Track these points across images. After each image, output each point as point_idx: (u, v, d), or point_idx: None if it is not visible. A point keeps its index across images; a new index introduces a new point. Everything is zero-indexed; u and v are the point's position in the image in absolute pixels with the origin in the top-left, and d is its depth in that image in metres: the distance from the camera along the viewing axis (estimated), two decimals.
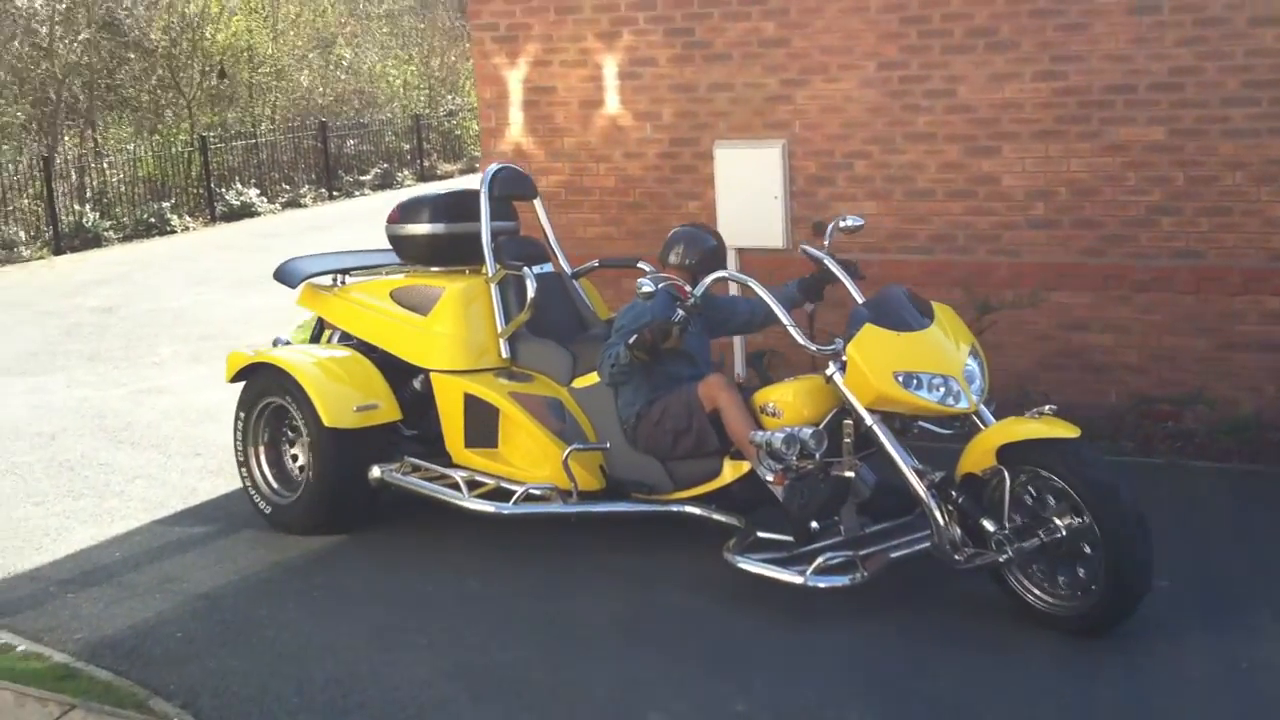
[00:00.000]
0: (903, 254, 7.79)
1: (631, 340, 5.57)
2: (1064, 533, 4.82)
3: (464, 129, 26.73)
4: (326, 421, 6.16)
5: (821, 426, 5.21)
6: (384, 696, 4.69)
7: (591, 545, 6.02)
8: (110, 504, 7.04)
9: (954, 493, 5.00)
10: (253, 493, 6.58)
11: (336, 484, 6.27)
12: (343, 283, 6.97)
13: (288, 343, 6.93)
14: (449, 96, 28.45)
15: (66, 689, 4.68)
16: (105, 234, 18.16)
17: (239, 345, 7.61)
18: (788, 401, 5.36)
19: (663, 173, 8.41)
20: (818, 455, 5.12)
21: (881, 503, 5.29)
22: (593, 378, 5.96)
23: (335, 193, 22.79)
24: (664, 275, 5.83)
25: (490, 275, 6.40)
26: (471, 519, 6.09)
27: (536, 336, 6.30)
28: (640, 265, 6.46)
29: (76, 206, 18.63)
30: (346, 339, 6.80)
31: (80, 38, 21.20)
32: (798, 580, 5.10)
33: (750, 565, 5.26)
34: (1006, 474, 4.89)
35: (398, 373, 6.44)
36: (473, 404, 6.17)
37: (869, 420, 5.12)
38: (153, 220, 19.05)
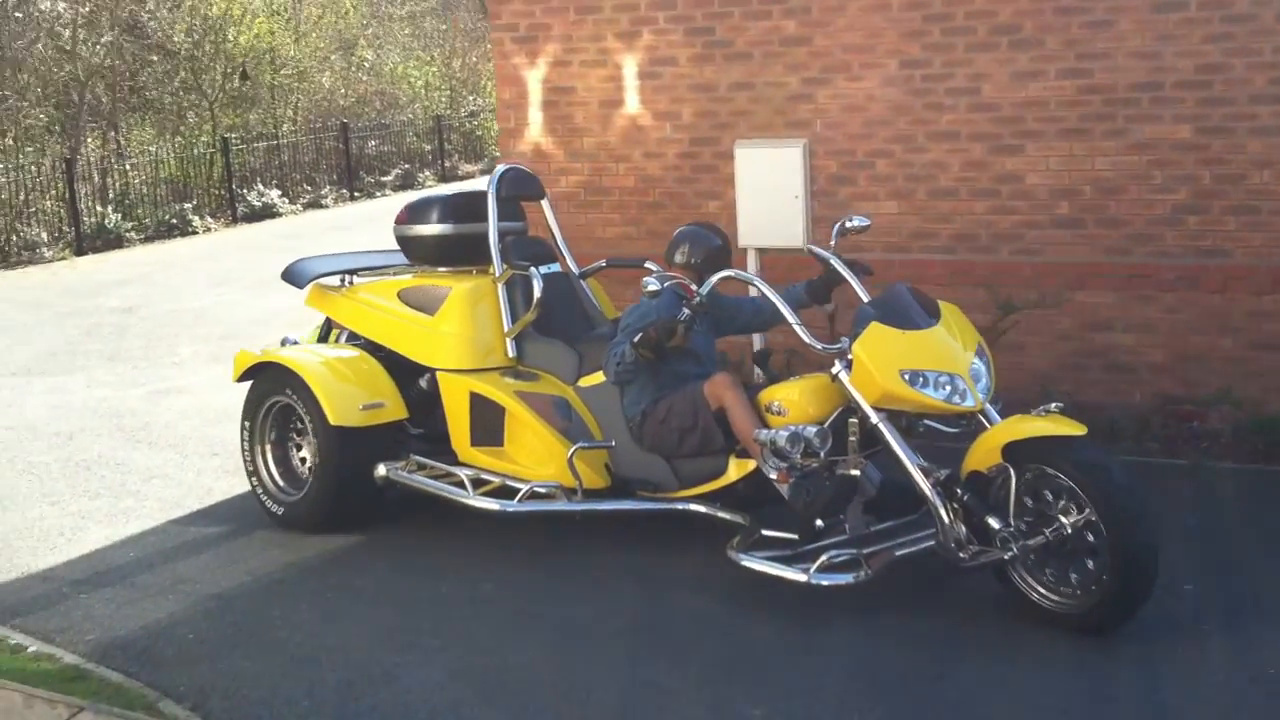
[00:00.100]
0: (925, 253, 7.72)
1: (637, 339, 5.57)
2: (1069, 530, 4.79)
3: (485, 130, 26.71)
4: (332, 420, 6.18)
5: (827, 425, 5.19)
6: (395, 699, 4.64)
7: (606, 548, 5.98)
8: (126, 504, 7.02)
9: (959, 490, 4.99)
10: (260, 493, 6.59)
11: (342, 482, 6.28)
12: (350, 283, 6.99)
13: (296, 342, 6.93)
14: (470, 97, 28.43)
15: (76, 690, 4.64)
16: (127, 235, 18.20)
17: (247, 345, 7.58)
18: (793, 400, 5.35)
19: (683, 172, 8.35)
20: (822, 453, 5.12)
21: (887, 501, 5.28)
22: (599, 377, 5.94)
23: (357, 194, 22.81)
24: (670, 274, 5.80)
25: (497, 275, 6.41)
26: (485, 519, 6.06)
27: (543, 336, 6.31)
28: (647, 265, 6.43)
29: (99, 207, 18.67)
30: (354, 339, 6.82)
31: (103, 40, 21.25)
32: (802, 578, 5.08)
33: (754, 563, 5.26)
34: (1012, 472, 4.87)
35: (405, 372, 6.45)
36: (479, 403, 6.18)
37: (875, 418, 5.11)
38: (174, 221, 19.09)
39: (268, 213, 20.54)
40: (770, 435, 5.19)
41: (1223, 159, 6.98)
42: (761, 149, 7.25)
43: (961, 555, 4.95)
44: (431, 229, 6.64)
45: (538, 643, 5.07)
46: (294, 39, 24.89)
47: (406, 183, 23.82)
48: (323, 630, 5.27)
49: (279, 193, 21.21)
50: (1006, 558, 4.88)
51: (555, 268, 6.59)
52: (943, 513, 4.96)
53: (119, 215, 18.56)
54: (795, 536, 5.30)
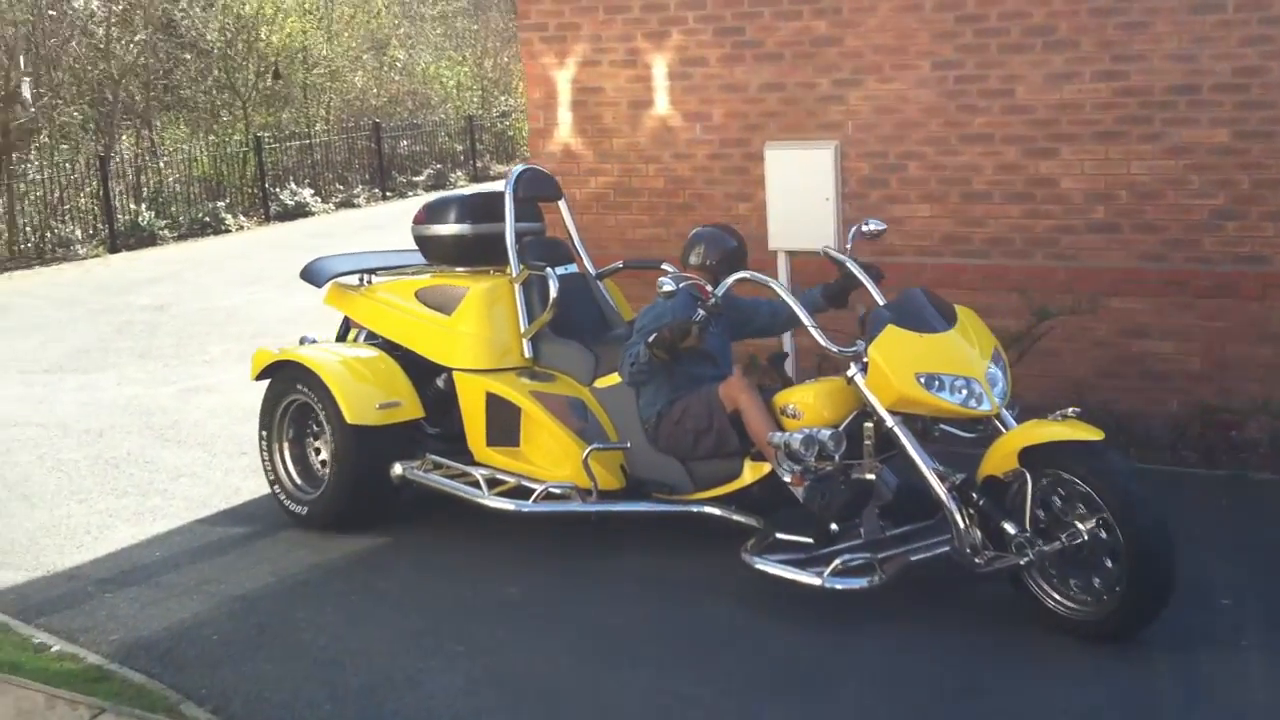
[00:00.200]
0: (958, 258, 7.64)
1: (651, 339, 5.56)
2: (1085, 537, 4.75)
3: (516, 130, 26.71)
4: (349, 418, 6.20)
5: (841, 428, 5.17)
6: (418, 705, 4.61)
7: (629, 552, 5.94)
8: (153, 502, 7.02)
9: (975, 495, 4.95)
10: (278, 491, 6.61)
11: (358, 480, 6.30)
12: (369, 282, 7.01)
13: (314, 341, 6.95)
14: (502, 97, 28.45)
15: (98, 691, 4.62)
16: (160, 233, 18.29)
17: (265, 343, 7.58)
18: (808, 403, 5.33)
19: (712, 174, 8.29)
20: (836, 457, 5.11)
21: (903, 505, 5.23)
22: (615, 378, 5.94)
23: (389, 193, 22.86)
24: (685, 275, 5.79)
25: (514, 276, 6.42)
26: (510, 521, 6.04)
27: (559, 337, 6.31)
28: (664, 266, 6.40)
29: (132, 205, 18.76)
30: (372, 338, 6.85)
31: (137, 39, 21.36)
32: (815, 582, 5.07)
33: (768, 566, 5.24)
34: (1028, 477, 4.83)
35: (422, 371, 6.47)
36: (495, 403, 6.20)
37: (890, 422, 5.08)
38: (207, 219, 19.17)
39: (300, 212, 20.61)
40: (784, 438, 5.18)
41: (1262, 164, 6.87)
42: (792, 151, 7.18)
43: (977, 561, 4.92)
44: (449, 229, 6.67)
45: (562, 650, 5.03)
46: (326, 38, 24.96)
47: (438, 182, 23.85)
48: (347, 633, 5.25)
49: (311, 192, 21.28)
50: (1022, 563, 4.85)
51: (572, 268, 6.61)
52: (958, 518, 4.93)
53: (152, 213, 18.65)
54: (810, 540, 5.29)
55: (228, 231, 19.09)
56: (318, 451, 6.59)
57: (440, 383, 6.46)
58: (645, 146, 8.45)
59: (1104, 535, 4.70)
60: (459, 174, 24.98)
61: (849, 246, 5.90)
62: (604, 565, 5.85)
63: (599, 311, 6.61)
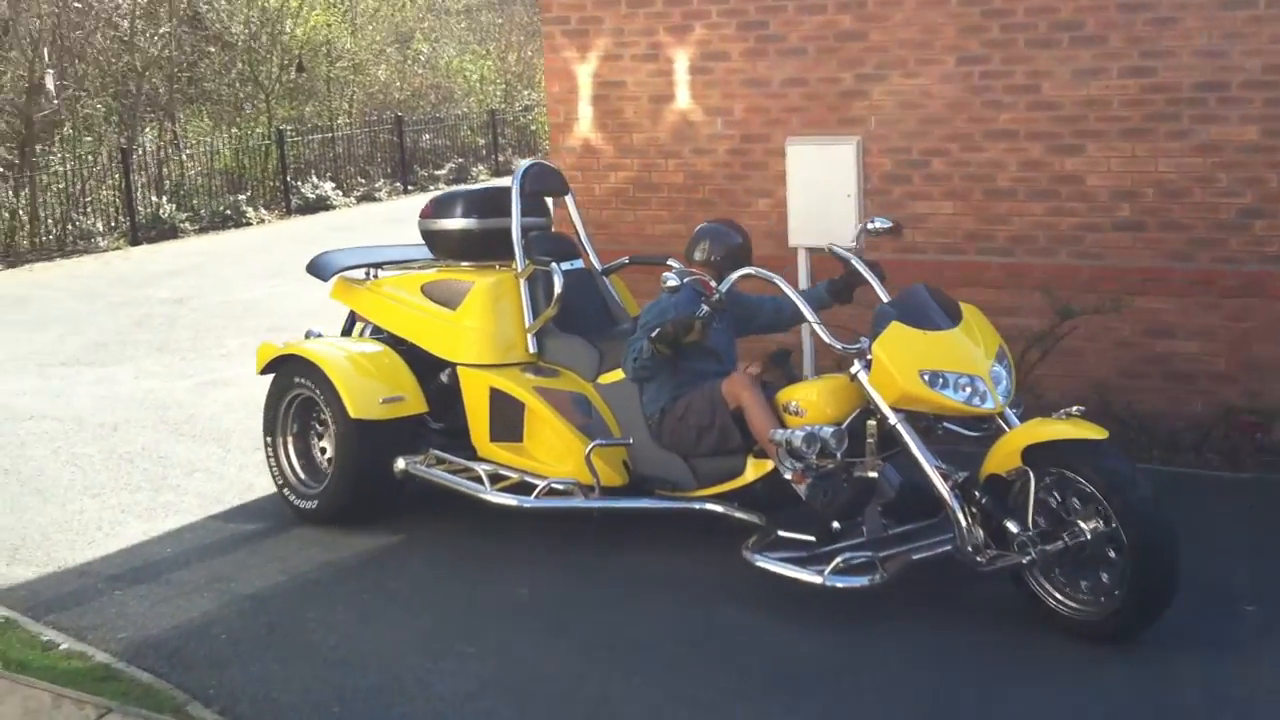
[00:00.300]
0: (981, 255, 7.54)
1: (654, 334, 5.55)
2: (1088, 536, 4.72)
3: (539, 124, 26.65)
4: (352, 413, 6.20)
5: (844, 426, 5.14)
6: (427, 707, 4.55)
7: (643, 553, 5.88)
8: (166, 498, 6.98)
9: (978, 493, 4.91)
10: (280, 484, 6.61)
11: (361, 475, 6.29)
12: (375, 276, 7.00)
13: (320, 335, 6.94)
14: (525, 91, 28.42)
15: (105, 691, 4.57)
16: (182, 225, 18.30)
17: (284, 337, 7.55)
18: (811, 400, 5.31)
19: (733, 169, 8.21)
20: (838, 454, 5.09)
21: (907, 504, 5.20)
22: (619, 374, 5.93)
23: (410, 187, 22.84)
24: (690, 271, 5.79)
25: (519, 271, 6.41)
26: (521, 520, 6.02)
27: (564, 332, 6.30)
28: (670, 262, 6.34)
29: (154, 198, 18.78)
30: (378, 333, 6.85)
31: (161, 31, 21.38)
32: (816, 580, 5.05)
33: (768, 564, 5.22)
34: (1031, 475, 4.80)
35: (426, 366, 6.47)
36: (498, 398, 6.20)
37: (893, 419, 5.05)
38: (229, 212, 19.19)
39: (321, 205, 20.63)
40: (786, 435, 5.16)
41: None
42: (814, 146, 7.11)
43: (979, 559, 4.90)
44: (455, 224, 6.67)
45: (572, 652, 4.96)
46: (350, 31, 24.97)
47: (460, 176, 23.83)
48: (357, 633, 5.19)
49: (333, 185, 21.29)
50: (1024, 562, 4.82)
51: (578, 264, 6.60)
52: (960, 516, 4.90)
53: (174, 206, 18.68)
54: (812, 538, 5.26)
55: (249, 224, 19.10)
56: (323, 450, 6.56)
57: (444, 378, 6.46)
58: (666, 141, 8.38)
59: (1107, 535, 4.68)
60: (481, 168, 24.95)
61: (855, 244, 5.89)
62: (613, 564, 5.79)
63: (604, 307, 6.60)
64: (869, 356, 5.11)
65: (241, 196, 19.67)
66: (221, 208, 19.22)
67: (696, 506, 5.71)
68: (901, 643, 4.90)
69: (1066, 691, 4.49)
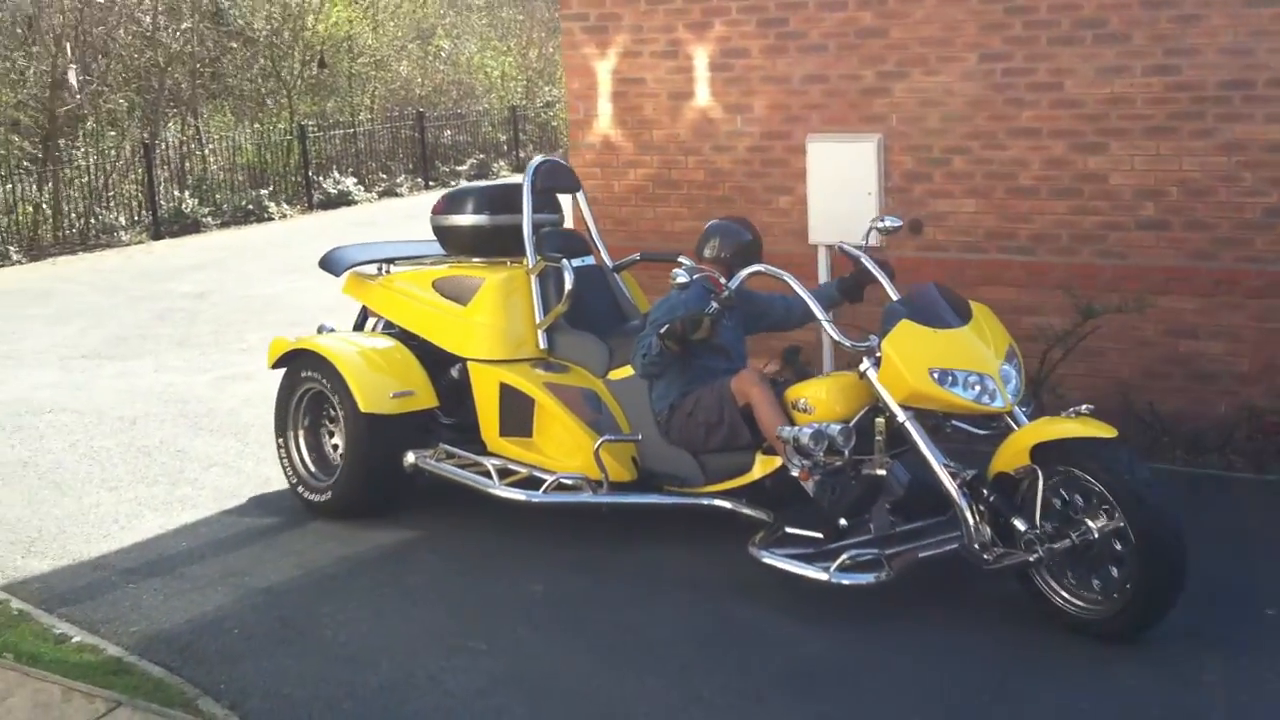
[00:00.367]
0: (1002, 254, 7.48)
1: (662, 330, 5.55)
2: (1096, 535, 4.71)
3: (560, 120, 26.62)
4: (363, 407, 6.22)
5: (852, 424, 5.14)
6: (438, 704, 4.52)
7: (656, 550, 5.85)
8: (183, 491, 6.98)
9: (985, 491, 4.90)
10: (291, 477, 6.63)
11: (371, 468, 6.31)
12: (387, 272, 7.03)
13: (332, 330, 6.95)
14: (546, 88, 28.39)
15: (116, 685, 4.56)
16: (204, 220, 18.33)
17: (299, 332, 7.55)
18: (820, 398, 5.31)
19: (753, 167, 8.17)
20: (846, 452, 5.09)
21: (915, 501, 5.16)
22: (629, 370, 5.94)
23: (431, 182, 22.84)
24: (699, 268, 5.79)
25: (530, 267, 6.43)
26: (541, 516, 6.01)
27: (575, 328, 6.31)
28: (680, 259, 6.32)
29: (176, 192, 18.83)
30: (390, 328, 6.87)
31: (184, 26, 21.44)
32: (822, 577, 5.04)
33: (774, 560, 5.22)
34: (1040, 473, 4.79)
35: (437, 361, 6.49)
36: (508, 393, 6.22)
37: (901, 416, 5.05)
38: (251, 207, 19.22)
39: (343, 200, 20.65)
40: (793, 432, 5.16)
41: None
42: (834, 144, 7.07)
43: (985, 557, 4.88)
44: (467, 220, 6.70)
45: (586, 650, 4.93)
46: (372, 27, 24.99)
47: (481, 172, 23.82)
48: (370, 629, 5.17)
49: (354, 180, 21.31)
50: (1031, 560, 4.80)
51: (589, 260, 6.62)
52: (968, 513, 4.89)
53: (196, 200, 18.71)
54: (819, 535, 5.24)
55: (271, 219, 19.12)
56: (333, 440, 6.59)
57: (455, 373, 6.47)
58: (685, 139, 8.34)
59: (1115, 534, 4.66)
60: (502, 164, 24.94)
61: (865, 242, 5.89)
62: (626, 560, 5.77)
63: (614, 304, 6.62)
64: (878, 354, 5.11)
65: (263, 191, 19.70)
66: (243, 202, 19.25)
67: (704, 502, 5.72)
68: (914, 642, 4.87)
69: (1075, 691, 4.44)
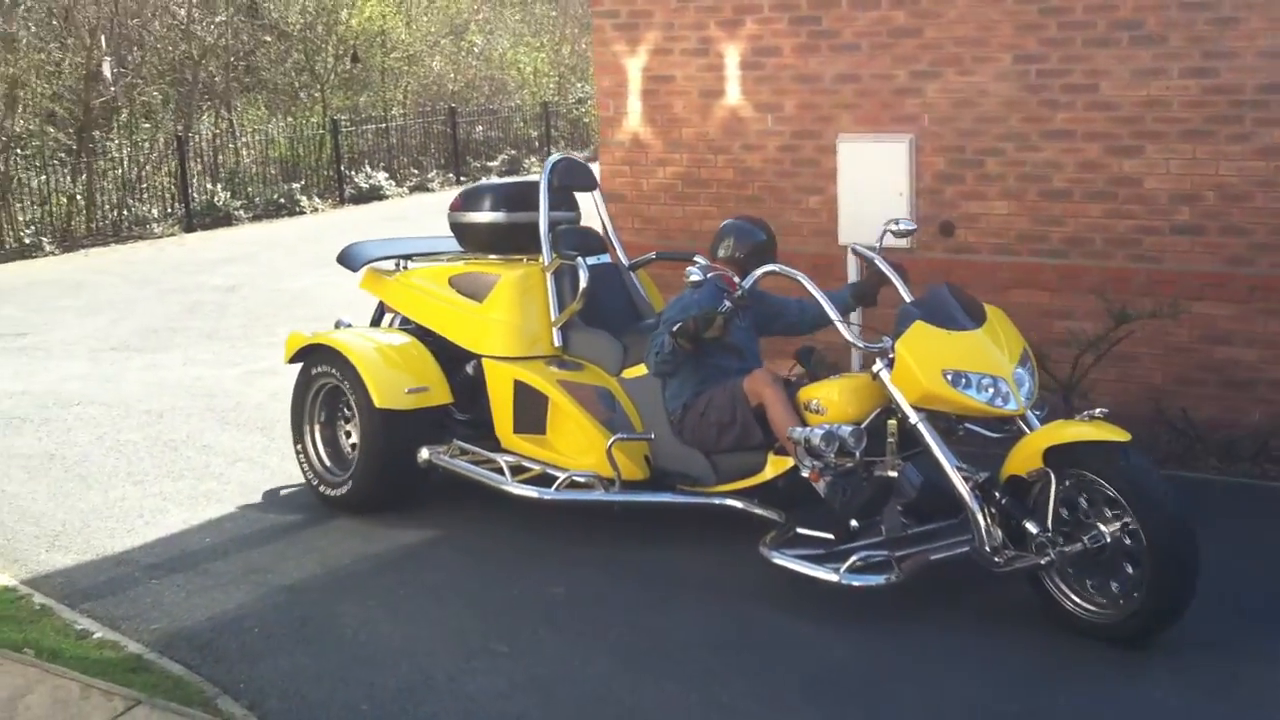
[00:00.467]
0: (1035, 257, 7.40)
1: (675, 329, 5.54)
2: (1108, 539, 4.68)
3: (592, 117, 26.58)
4: (378, 402, 6.24)
5: (863, 425, 5.13)
6: (456, 707, 4.49)
7: (675, 551, 5.82)
8: (208, 486, 6.98)
9: (998, 494, 4.86)
10: (307, 471, 6.65)
11: (386, 464, 6.33)
12: (404, 268, 7.04)
13: (349, 325, 6.97)
14: (578, 84, 28.35)
15: (135, 682, 4.55)
16: (236, 213, 18.39)
17: (317, 326, 7.54)
18: (832, 399, 5.30)
19: (783, 166, 8.10)
20: (857, 453, 5.08)
21: (928, 503, 5.11)
22: (643, 369, 5.94)
23: (463, 178, 22.82)
24: (713, 267, 5.79)
25: (546, 264, 6.44)
26: (563, 514, 6.00)
27: (589, 326, 6.32)
28: (695, 258, 6.28)
29: (209, 185, 18.89)
30: (406, 323, 6.89)
31: (218, 20, 21.51)
32: (832, 578, 5.03)
33: (785, 560, 5.21)
34: (1052, 477, 4.75)
35: (452, 358, 6.51)
36: (522, 390, 6.24)
37: (914, 418, 5.02)
38: (283, 201, 19.26)
39: (374, 195, 20.68)
40: (805, 433, 5.16)
41: None
42: (866, 144, 7.03)
43: (996, 560, 4.84)
44: (484, 217, 6.72)
45: (605, 654, 4.89)
46: (405, 22, 25.01)
47: (513, 168, 23.82)
48: (391, 629, 5.15)
49: (386, 175, 21.32)
50: (1042, 563, 4.76)
51: (605, 259, 6.63)
52: (980, 516, 4.85)
53: (228, 193, 18.77)
54: (830, 536, 5.22)
55: (302, 213, 19.16)
56: (349, 435, 6.61)
57: (470, 369, 6.49)
58: (715, 137, 8.29)
59: (1127, 538, 4.62)
60: (533, 160, 24.91)
61: (879, 245, 5.84)
62: (647, 562, 5.73)
63: (630, 302, 6.63)
64: (891, 355, 5.09)
65: (296, 185, 19.74)
66: (276, 196, 19.31)
67: (716, 502, 5.71)
68: (937, 649, 4.82)
69: (1102, 703, 4.38)
